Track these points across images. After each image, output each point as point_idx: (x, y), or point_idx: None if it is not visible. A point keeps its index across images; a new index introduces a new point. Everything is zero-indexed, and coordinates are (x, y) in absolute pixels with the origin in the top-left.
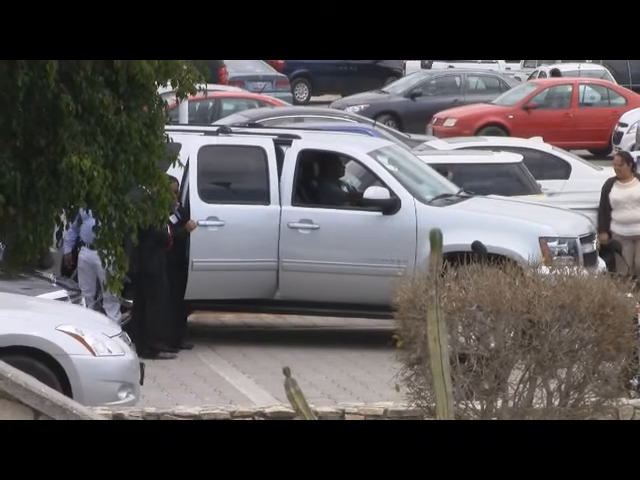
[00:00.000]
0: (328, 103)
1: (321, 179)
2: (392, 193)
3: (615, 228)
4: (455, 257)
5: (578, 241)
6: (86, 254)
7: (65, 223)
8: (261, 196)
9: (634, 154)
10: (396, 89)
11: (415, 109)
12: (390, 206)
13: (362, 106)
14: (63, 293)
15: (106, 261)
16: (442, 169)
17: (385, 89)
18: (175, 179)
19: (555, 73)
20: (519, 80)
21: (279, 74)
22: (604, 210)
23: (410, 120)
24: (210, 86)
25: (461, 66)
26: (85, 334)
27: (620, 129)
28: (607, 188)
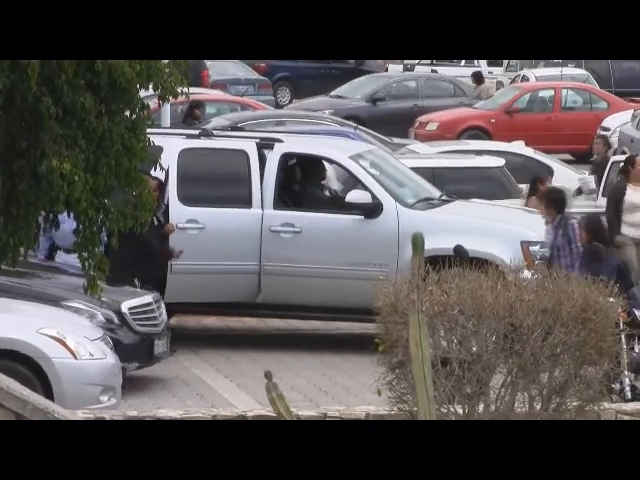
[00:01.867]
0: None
1: (303, 182)
2: (374, 197)
3: (626, 230)
4: (437, 261)
5: None
6: (63, 258)
7: (43, 226)
8: (243, 199)
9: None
10: (349, 92)
11: (377, 114)
12: (372, 210)
13: (326, 111)
14: (149, 298)
15: (86, 264)
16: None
17: (339, 93)
18: (157, 178)
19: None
20: (502, 84)
21: (261, 77)
22: (616, 212)
23: (372, 124)
24: (192, 89)
25: (445, 70)
26: (67, 337)
27: (602, 133)
28: (620, 191)
